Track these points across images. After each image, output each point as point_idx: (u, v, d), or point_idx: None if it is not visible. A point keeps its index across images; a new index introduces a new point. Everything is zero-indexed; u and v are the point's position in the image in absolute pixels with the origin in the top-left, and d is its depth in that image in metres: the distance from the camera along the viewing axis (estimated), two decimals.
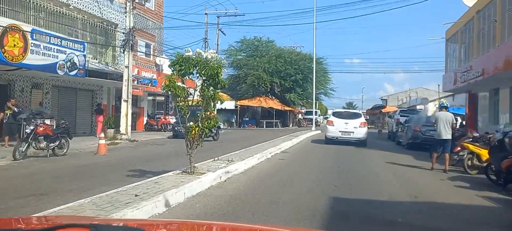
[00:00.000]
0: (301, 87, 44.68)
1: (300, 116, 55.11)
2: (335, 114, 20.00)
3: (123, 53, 18.53)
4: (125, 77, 18.38)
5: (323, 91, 49.55)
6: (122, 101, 18.43)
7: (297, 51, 47.63)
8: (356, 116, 19.66)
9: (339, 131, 18.08)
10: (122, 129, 18.29)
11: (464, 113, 40.01)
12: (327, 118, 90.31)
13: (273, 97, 48.07)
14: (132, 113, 27.79)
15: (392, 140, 22.51)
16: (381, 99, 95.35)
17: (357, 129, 18.01)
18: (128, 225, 2.01)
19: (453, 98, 47.28)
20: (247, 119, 46.06)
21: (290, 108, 45.85)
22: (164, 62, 27.16)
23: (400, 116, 22.26)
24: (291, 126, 47.90)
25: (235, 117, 44.21)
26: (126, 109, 18.31)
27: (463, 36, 25.14)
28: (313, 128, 31.64)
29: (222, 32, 34.17)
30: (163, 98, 32.24)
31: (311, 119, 54.30)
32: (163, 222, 3.22)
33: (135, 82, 23.54)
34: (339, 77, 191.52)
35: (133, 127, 27.19)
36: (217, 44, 33.82)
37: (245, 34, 74.39)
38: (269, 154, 13.71)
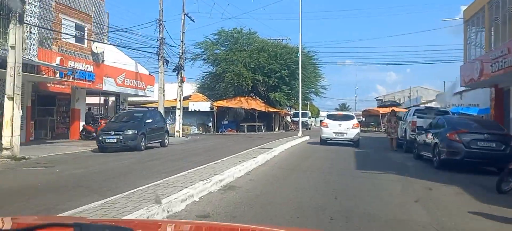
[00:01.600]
0: (287, 85, 38.68)
1: (288, 118, 49.02)
2: (329, 116, 20.84)
3: (9, 27, 12.33)
4: (9, 63, 12.17)
5: (313, 90, 43.51)
6: (6, 99, 12.21)
7: (283, 44, 41.64)
8: (349, 117, 20.23)
9: (333, 132, 19.07)
10: (5, 140, 12.06)
11: (477, 114, 34.58)
12: (322, 120, 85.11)
13: (257, 98, 41.95)
14: (53, 118, 21.49)
15: (405, 151, 16.51)
16: (376, 100, 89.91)
17: (350, 130, 18.94)
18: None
19: (461, 97, 41.66)
20: (226, 122, 39.92)
21: (275, 110, 39.78)
22: (104, 50, 20.95)
23: (417, 117, 16.20)
24: (277, 129, 41.85)
25: (211, 120, 38.01)
26: (11, 111, 12.08)
27: (492, 13, 19.26)
28: (300, 133, 25.57)
29: (189, 18, 28.00)
30: (113, 98, 26.02)
31: (302, 122, 48.59)
32: (155, 222, 3.23)
33: (57, 75, 17.36)
34: (330, 78, 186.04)
35: (65, 136, 20.96)
36: (183, 32, 27.69)
37: (227, 24, 67.92)
38: (215, 184, 7.59)
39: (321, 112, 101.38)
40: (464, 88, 42.05)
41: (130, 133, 15.24)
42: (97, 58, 20.84)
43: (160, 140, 17.52)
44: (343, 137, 18.83)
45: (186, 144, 22.30)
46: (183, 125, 37.94)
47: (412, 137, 15.27)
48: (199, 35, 60.37)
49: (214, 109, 37.19)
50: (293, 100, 46.34)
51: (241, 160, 10.61)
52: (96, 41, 20.65)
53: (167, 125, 20.70)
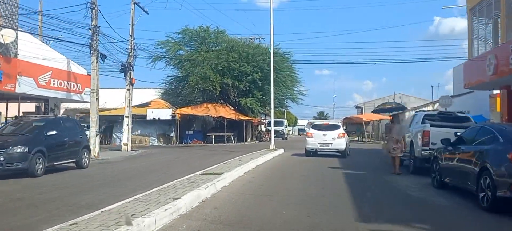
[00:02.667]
0: (260, 90, 34.22)
1: (262, 127, 44.50)
2: (314, 126, 19.73)
3: None
4: None
5: (289, 96, 39.14)
6: None
7: (255, 44, 37.18)
8: (334, 127, 19.04)
9: (318, 143, 18.14)
10: None
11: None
12: (304, 130, 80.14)
13: (227, 104, 37.32)
14: None
15: (412, 172, 12.18)
16: (356, 107, 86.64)
17: (336, 140, 17.98)
18: None
19: (449, 102, 37.95)
20: (191, 132, 35.09)
21: (247, 118, 35.17)
22: (15, 39, 16.01)
23: (429, 125, 11.68)
24: (249, 139, 37.23)
25: (173, 129, 33.08)
26: None
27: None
28: (272, 146, 20.98)
29: (141, 8, 23.27)
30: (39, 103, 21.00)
31: (277, 131, 44.14)
32: None
33: None
34: (308, 85, 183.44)
35: None
36: (132, 24, 22.90)
37: (193, 21, 63.01)
38: None
39: (299, 121, 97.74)
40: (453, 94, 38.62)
41: (18, 151, 10.40)
42: (5, 51, 15.83)
43: (75, 159, 12.62)
44: (329, 147, 17.99)
45: (128, 161, 17.50)
46: (140, 135, 33.06)
47: (426, 154, 10.97)
48: (160, 35, 55.57)
49: (176, 117, 32.29)
50: (267, 107, 41.92)
51: (204, 183, 5.89)
52: (4, 27, 15.68)
53: (98, 136, 15.81)
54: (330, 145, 17.81)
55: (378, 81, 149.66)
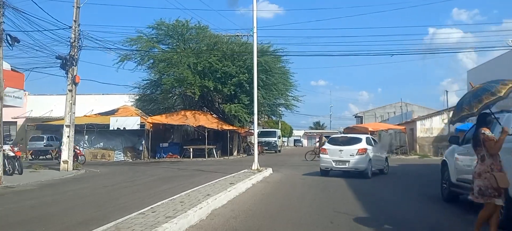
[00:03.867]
0: (248, 95, 28.95)
1: (251, 138, 39.06)
2: (331, 141, 16.14)
3: None
4: None
5: (283, 102, 33.84)
6: None
7: (242, 41, 31.89)
8: (353, 141, 15.16)
9: (333, 161, 14.70)
10: None
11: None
12: (300, 140, 73.80)
13: (210, 112, 31.99)
14: None
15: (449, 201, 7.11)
16: (355, 117, 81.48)
17: (355, 157, 14.26)
18: None
19: None
20: (165, 145, 29.63)
21: (232, 128, 29.79)
22: None
23: None
24: (235, 153, 31.79)
25: (143, 142, 27.57)
26: None
27: None
28: (255, 165, 15.27)
29: None
30: None
31: (269, 143, 38.75)
32: None
33: None
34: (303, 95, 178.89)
35: None
36: (77, 7, 17.62)
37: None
38: None
39: (294, 131, 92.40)
40: None
41: None
42: None
43: None
44: (346, 166, 14.67)
45: (46, 189, 12.09)
46: (103, 149, 27.58)
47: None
48: (131, 30, 50.20)
49: (145, 127, 26.84)
50: (257, 115, 36.73)
51: None
52: None
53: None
54: (347, 163, 14.53)
55: (374, 92, 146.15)
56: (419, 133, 33.20)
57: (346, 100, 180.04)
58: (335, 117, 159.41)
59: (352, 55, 78.62)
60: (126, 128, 26.43)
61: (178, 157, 28.20)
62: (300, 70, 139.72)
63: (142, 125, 26.59)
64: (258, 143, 36.12)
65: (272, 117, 36.00)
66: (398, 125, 35.58)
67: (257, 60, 28.80)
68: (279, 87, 30.92)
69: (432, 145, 32.98)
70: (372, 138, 16.73)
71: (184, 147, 28.74)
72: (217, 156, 28.71)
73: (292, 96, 33.51)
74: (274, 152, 37.59)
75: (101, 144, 27.47)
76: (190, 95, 29.04)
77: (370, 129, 31.24)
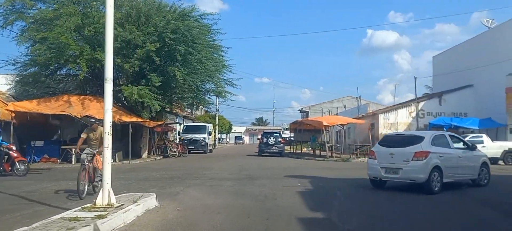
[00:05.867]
0: (162, 74, 20.78)
1: (176, 135, 30.77)
2: (383, 141, 11.75)
3: None
4: None
5: (214, 88, 25.84)
6: None
7: (157, 2, 23.19)
8: (410, 141, 10.75)
9: (381, 168, 10.67)
10: None
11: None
12: (241, 137, 65.56)
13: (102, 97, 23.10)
14: None
15: None
16: (300, 112, 75.22)
17: (409, 163, 10.12)
18: None
19: (440, 101, 27.07)
20: (40, 144, 20.51)
21: (138, 120, 21.20)
22: None
23: None
24: (145, 155, 23.22)
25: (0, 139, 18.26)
26: None
27: None
28: (104, 196, 6.98)
29: None
30: None
31: (197, 141, 30.53)
32: None
33: None
34: (246, 94, 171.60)
35: None
36: None
37: None
38: None
39: (235, 127, 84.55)
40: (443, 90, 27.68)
41: None
42: None
43: None
44: (397, 175, 10.29)
45: None
46: None
47: None
48: None
49: (7, 118, 17.64)
50: (179, 104, 28.38)
51: None
52: None
53: None
54: (399, 171, 10.26)
55: (316, 90, 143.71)
56: (382, 129, 26.74)
57: (288, 98, 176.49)
58: (278, 113, 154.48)
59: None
60: None
61: (57, 160, 19.46)
62: (244, 65, 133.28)
63: None
64: (184, 141, 28.05)
65: (196, 106, 27.60)
66: (356, 119, 28.89)
67: (175, 25, 20.66)
68: (207, 66, 22.82)
69: None
70: (451, 135, 11.53)
71: (63, 148, 19.89)
72: (117, 160, 20.18)
73: (225, 80, 25.60)
74: (202, 152, 29.51)
75: None
76: (75, 72, 20.21)
77: (324, 123, 24.15)
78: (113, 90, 19.79)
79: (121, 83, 21.62)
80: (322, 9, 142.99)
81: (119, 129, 23.16)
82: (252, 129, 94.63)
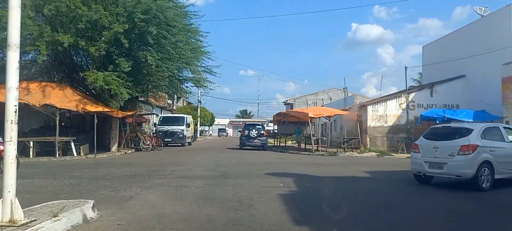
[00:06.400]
0: (132, 59, 18.84)
1: (151, 127, 28.78)
2: (428, 133, 10.61)
3: None
4: None
5: (192, 76, 23.90)
6: None
7: None
8: (456, 133, 9.82)
9: (425, 162, 9.85)
10: None
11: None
12: (225, 130, 62.67)
13: (74, 85, 21.11)
14: None
15: None
16: (285, 104, 73.64)
17: (454, 157, 9.23)
18: None
19: (431, 93, 25.80)
20: None
21: (103, 109, 19.09)
22: None
23: None
24: (114, 148, 21.18)
25: None
26: None
27: None
28: (5, 212, 5.39)
29: None
30: None
31: (174, 133, 28.61)
32: None
33: None
34: (231, 86, 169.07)
35: None
36: None
37: None
38: None
39: (217, 119, 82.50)
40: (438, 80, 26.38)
41: None
42: None
43: None
44: (441, 170, 9.43)
45: None
46: None
47: None
48: None
49: None
50: (154, 94, 26.36)
51: None
52: None
53: None
54: (443, 166, 9.19)
55: (300, 83, 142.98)
56: (371, 122, 25.26)
57: (273, 91, 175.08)
58: (263, 105, 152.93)
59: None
60: None
61: None
62: (226, 54, 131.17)
63: None
64: (158, 133, 26.11)
65: (182, 97, 25.56)
66: (344, 110, 27.32)
67: (146, 4, 18.67)
68: (184, 52, 20.88)
69: (386, 136, 25.24)
70: (506, 127, 10.56)
71: (19, 140, 17.76)
72: (81, 154, 18.17)
73: (203, 67, 23.69)
74: (180, 145, 27.58)
75: None
76: (49, 59, 18.08)
77: (310, 115, 22.51)
78: (79, 77, 17.70)
79: (89, 69, 19.52)
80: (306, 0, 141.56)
81: (87, 120, 21.26)
82: (236, 121, 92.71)
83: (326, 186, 9.72)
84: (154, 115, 33.16)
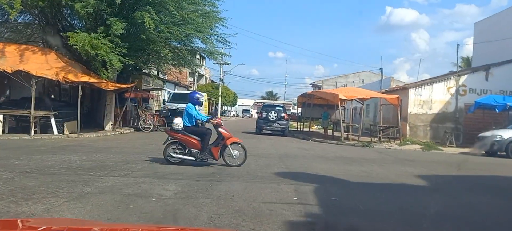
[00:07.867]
0: (126, 19, 15.61)
1: (159, 104, 25.73)
2: None
3: None
4: None
5: (203, 47, 20.56)
6: None
7: None
8: None
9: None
10: None
11: None
12: (249, 111, 58.91)
13: (58, 50, 18.03)
14: None
15: None
16: (312, 86, 69.50)
17: None
18: None
19: (487, 77, 21.46)
20: None
21: (89, 79, 15.92)
22: None
23: None
24: (109, 126, 18.13)
25: None
26: None
27: None
28: None
29: None
30: None
31: (178, 111, 25.51)
32: None
33: None
34: (259, 68, 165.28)
35: None
36: None
37: None
38: None
39: (241, 100, 79.28)
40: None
41: None
42: None
43: None
44: None
45: None
46: None
47: None
48: None
49: None
50: (155, 65, 22.98)
51: None
52: None
53: None
54: None
55: (330, 67, 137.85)
56: (412, 108, 21.35)
57: (302, 74, 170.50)
58: (290, 87, 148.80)
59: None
60: None
61: None
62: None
63: None
64: (162, 111, 22.96)
65: (180, 66, 22.11)
66: (382, 93, 23.37)
67: None
68: (192, 16, 17.47)
69: (430, 126, 21.31)
70: None
71: None
72: (65, 132, 15.24)
73: (216, 36, 20.23)
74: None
75: None
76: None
77: (340, 96, 18.76)
78: (63, 39, 14.38)
79: (70, 29, 16.46)
80: None
81: (87, 94, 18.47)
82: (260, 102, 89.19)
83: (367, 204, 6.21)
84: (165, 91, 30.12)
